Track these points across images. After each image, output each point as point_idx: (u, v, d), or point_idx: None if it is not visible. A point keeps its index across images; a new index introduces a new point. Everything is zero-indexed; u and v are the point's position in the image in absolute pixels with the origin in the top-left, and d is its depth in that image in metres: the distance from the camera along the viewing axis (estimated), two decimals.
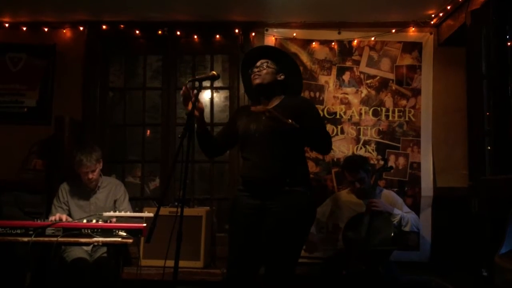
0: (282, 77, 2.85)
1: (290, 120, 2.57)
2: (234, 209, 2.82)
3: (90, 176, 3.51)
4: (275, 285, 2.63)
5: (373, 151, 4.13)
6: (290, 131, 2.63)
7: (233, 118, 3.00)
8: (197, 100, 2.58)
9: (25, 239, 2.83)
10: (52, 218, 3.19)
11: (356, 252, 3.30)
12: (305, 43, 4.23)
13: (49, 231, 2.88)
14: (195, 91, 2.60)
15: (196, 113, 2.64)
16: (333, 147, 4.09)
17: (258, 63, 2.82)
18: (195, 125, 2.73)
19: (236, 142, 2.98)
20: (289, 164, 2.71)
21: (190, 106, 2.59)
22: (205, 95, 4.51)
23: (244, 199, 2.76)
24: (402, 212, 3.49)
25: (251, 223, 2.71)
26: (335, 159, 4.11)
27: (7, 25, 4.35)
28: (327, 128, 4.10)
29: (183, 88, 2.65)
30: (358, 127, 4.16)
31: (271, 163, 2.68)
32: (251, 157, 2.76)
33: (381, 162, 4.00)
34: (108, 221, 3.06)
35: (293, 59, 3.03)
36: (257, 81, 2.78)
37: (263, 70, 2.78)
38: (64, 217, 3.22)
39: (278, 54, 2.92)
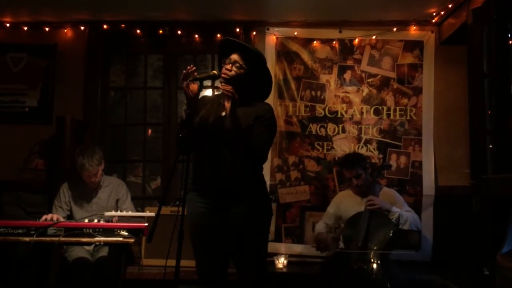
0: (246, 81, 2.68)
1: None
2: (192, 212, 2.66)
3: (93, 179, 3.51)
4: (254, 283, 2.69)
5: (374, 150, 4.12)
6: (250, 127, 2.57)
7: (198, 108, 2.74)
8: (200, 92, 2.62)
9: (27, 239, 2.84)
10: (44, 217, 3.15)
11: (355, 251, 3.30)
12: (306, 42, 4.23)
13: (50, 231, 2.88)
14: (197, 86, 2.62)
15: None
16: (334, 145, 4.13)
17: (232, 59, 2.68)
18: (188, 108, 2.61)
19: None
20: (250, 162, 2.62)
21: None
22: (206, 94, 4.50)
23: (202, 200, 2.64)
24: (401, 210, 3.49)
25: (215, 225, 2.62)
26: (336, 158, 4.10)
27: (8, 25, 4.35)
28: (329, 127, 4.14)
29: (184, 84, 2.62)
30: (359, 126, 4.16)
31: (232, 163, 2.55)
32: (208, 154, 2.60)
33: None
34: (110, 221, 3.05)
35: (265, 64, 2.80)
36: (224, 76, 2.67)
37: (232, 71, 2.66)
38: (55, 217, 3.17)
39: (252, 54, 2.74)
